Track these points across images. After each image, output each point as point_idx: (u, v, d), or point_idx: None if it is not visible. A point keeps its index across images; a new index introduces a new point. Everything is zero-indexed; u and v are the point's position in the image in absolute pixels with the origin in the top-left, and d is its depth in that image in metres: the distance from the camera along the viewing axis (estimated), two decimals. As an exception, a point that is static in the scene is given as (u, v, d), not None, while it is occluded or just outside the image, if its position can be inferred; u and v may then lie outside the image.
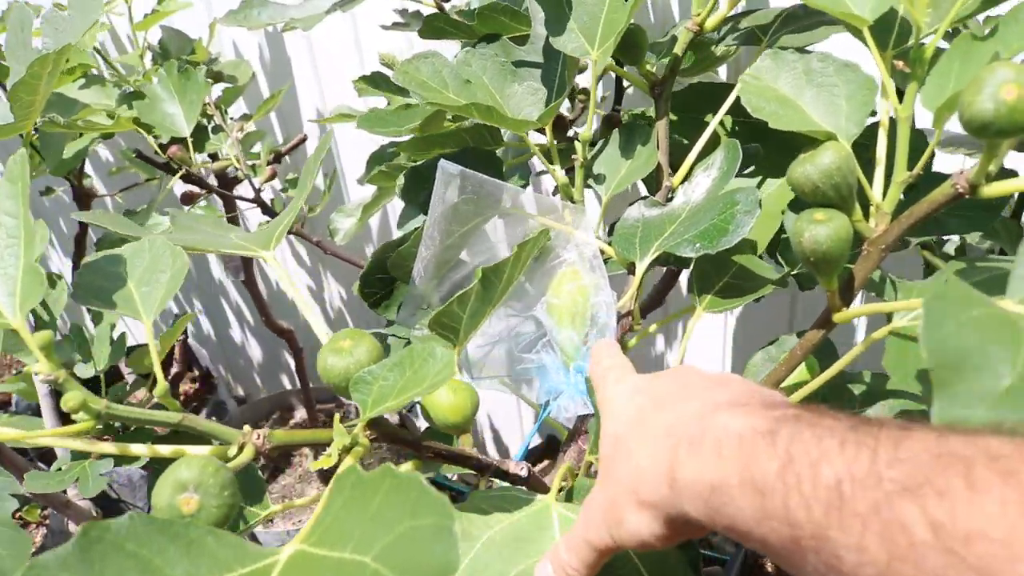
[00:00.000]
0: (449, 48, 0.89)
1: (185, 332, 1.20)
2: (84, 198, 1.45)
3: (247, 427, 0.52)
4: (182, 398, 2.09)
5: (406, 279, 0.77)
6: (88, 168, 2.04)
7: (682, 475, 0.41)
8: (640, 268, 0.67)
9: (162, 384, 0.50)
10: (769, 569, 1.57)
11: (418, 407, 0.60)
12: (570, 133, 1.09)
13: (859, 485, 0.31)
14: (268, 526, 1.75)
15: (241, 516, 0.62)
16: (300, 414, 2.07)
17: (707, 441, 0.40)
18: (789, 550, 0.34)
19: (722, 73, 1.26)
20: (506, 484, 0.60)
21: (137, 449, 0.52)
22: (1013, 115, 0.36)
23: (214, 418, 1.87)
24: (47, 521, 1.73)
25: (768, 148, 0.74)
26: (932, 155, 0.47)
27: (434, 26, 0.87)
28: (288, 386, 2.20)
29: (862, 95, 0.52)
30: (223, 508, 0.43)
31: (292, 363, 1.82)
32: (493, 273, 0.61)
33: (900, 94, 0.50)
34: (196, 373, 2.17)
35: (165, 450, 0.52)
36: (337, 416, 0.51)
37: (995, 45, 0.43)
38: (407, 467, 0.58)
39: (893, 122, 0.49)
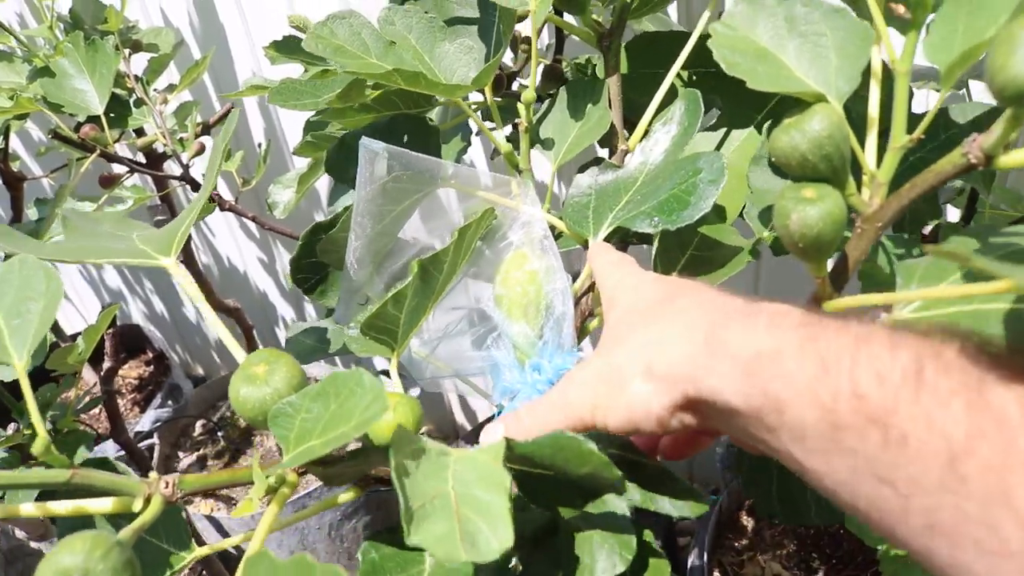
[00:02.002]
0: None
1: (115, 321, 1.11)
2: (13, 181, 1.34)
3: (153, 474, 0.44)
4: (135, 383, 2.00)
5: (339, 265, 0.69)
6: (19, 148, 1.92)
7: (724, 336, 0.35)
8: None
9: (42, 438, 0.42)
10: (744, 522, 1.54)
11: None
12: (515, 86, 1.01)
13: (943, 369, 0.29)
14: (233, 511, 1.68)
15: (167, 563, 0.54)
16: (258, 392, 1.99)
17: (762, 315, 0.35)
18: (839, 426, 0.30)
19: (672, 14, 1.18)
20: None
21: (26, 509, 0.44)
22: (1059, 79, 0.28)
23: (170, 402, 1.80)
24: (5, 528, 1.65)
25: (729, 98, 0.66)
26: (938, 115, 0.39)
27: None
28: (245, 364, 2.12)
29: (854, 45, 0.43)
30: (117, 597, 0.35)
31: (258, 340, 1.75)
32: (432, 264, 0.54)
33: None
34: (149, 356, 2.08)
35: (60, 507, 0.44)
36: (257, 455, 0.44)
37: (1018, -16, 0.36)
38: (346, 496, 0.51)
39: (888, 74, 0.41)
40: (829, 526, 1.46)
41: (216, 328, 0.49)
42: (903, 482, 0.28)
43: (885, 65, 0.43)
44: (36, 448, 0.42)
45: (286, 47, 0.91)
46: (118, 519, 0.49)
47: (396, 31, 0.65)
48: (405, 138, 0.70)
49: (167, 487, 0.43)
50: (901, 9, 0.41)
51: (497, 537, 0.33)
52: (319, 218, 1.87)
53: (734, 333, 0.35)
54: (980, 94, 1.01)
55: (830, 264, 0.44)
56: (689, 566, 1.36)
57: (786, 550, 1.48)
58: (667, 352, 0.38)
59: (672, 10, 1.18)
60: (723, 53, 0.46)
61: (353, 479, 0.50)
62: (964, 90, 1.03)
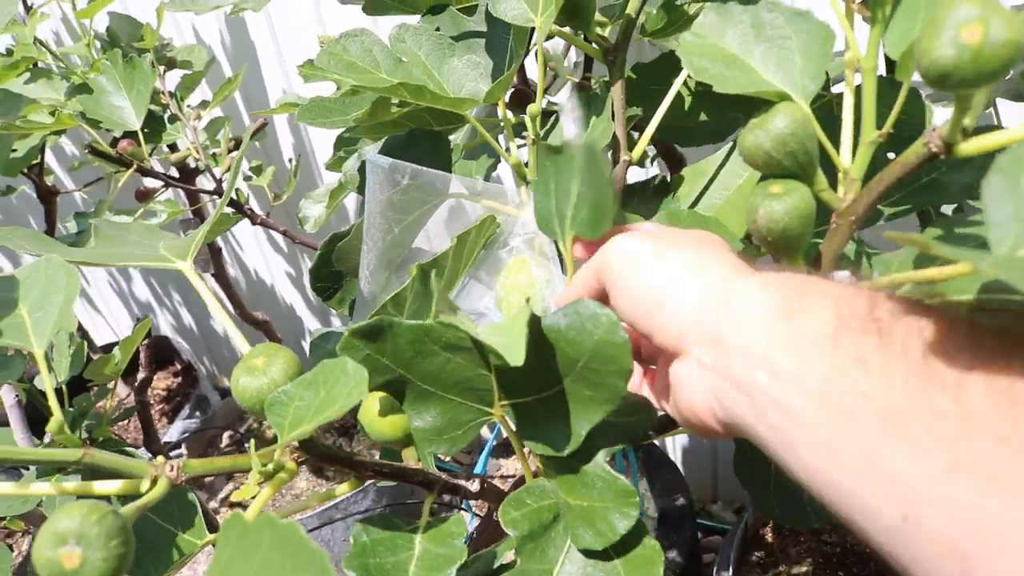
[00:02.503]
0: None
1: (149, 333, 1.15)
2: (47, 195, 1.39)
3: (160, 458, 0.47)
4: (164, 394, 2.05)
5: (355, 273, 0.72)
6: (53, 163, 1.99)
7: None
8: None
9: (57, 419, 0.45)
10: (769, 539, 1.53)
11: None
12: (545, 103, 1.03)
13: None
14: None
15: (175, 546, 0.56)
16: (287, 405, 2.02)
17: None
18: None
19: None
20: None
21: (39, 488, 0.47)
22: (978, 61, 0.30)
23: (198, 413, 1.84)
24: (31, 530, 1.70)
25: (750, 116, 0.68)
26: (908, 110, 0.41)
27: (377, 0, 0.81)
28: (275, 376, 2.16)
29: (818, 46, 0.45)
30: (111, 560, 0.38)
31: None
32: (431, 268, 0.56)
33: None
34: (177, 367, 2.12)
35: (69, 486, 0.46)
36: (253, 442, 0.46)
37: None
38: (343, 488, 0.53)
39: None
40: (856, 544, 1.44)
41: (225, 324, 0.52)
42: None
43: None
44: (51, 427, 0.45)
45: (319, 66, 0.94)
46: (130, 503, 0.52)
47: (407, 48, 0.67)
48: (422, 152, 0.72)
49: (172, 470, 0.46)
50: (856, 4, 0.42)
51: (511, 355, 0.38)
52: (346, 233, 1.86)
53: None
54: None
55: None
56: (715, 582, 1.36)
57: (811, 568, 1.46)
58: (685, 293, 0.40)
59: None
60: (691, 60, 0.48)
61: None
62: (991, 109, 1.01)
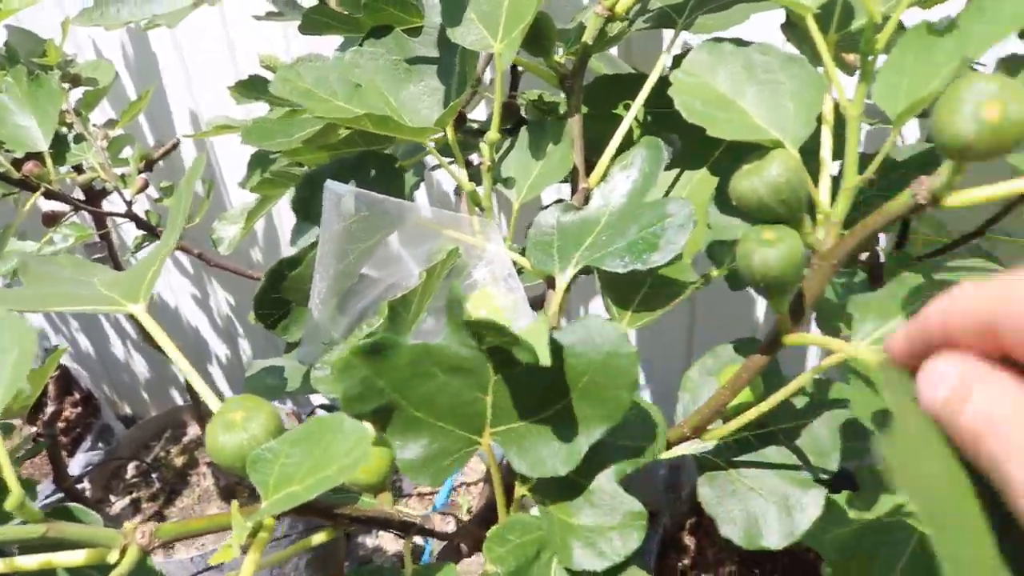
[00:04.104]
0: (332, 43, 0.81)
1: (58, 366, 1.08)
2: (-63, 220, 1.30)
3: (127, 524, 0.44)
4: (63, 425, 1.94)
5: (303, 302, 0.69)
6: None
7: None
8: (561, 282, 0.61)
9: (17, 494, 0.41)
10: (687, 542, 1.57)
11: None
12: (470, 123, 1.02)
13: None
14: (169, 554, 1.63)
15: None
16: (194, 431, 1.94)
17: None
18: None
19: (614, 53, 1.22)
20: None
21: (-10, 567, 0.43)
22: (997, 137, 0.31)
23: (101, 444, 1.74)
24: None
25: (687, 136, 0.69)
26: (888, 157, 0.42)
27: (315, 20, 0.78)
28: (179, 401, 2.07)
29: (809, 92, 0.46)
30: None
31: (182, 377, 1.70)
32: (401, 305, 0.55)
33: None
34: (76, 397, 2.01)
35: (29, 562, 0.43)
36: (236, 503, 0.44)
37: (955, 40, 0.39)
38: (320, 537, 0.51)
39: (839, 118, 0.44)
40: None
41: (189, 375, 0.49)
42: None
43: (837, 109, 0.46)
44: (11, 504, 0.41)
45: (251, 87, 0.91)
46: (89, 571, 0.48)
47: (362, 73, 0.66)
48: (372, 173, 0.71)
49: (143, 536, 0.43)
50: (851, 58, 0.44)
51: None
52: (256, 254, 1.83)
53: None
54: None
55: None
56: (634, 585, 1.38)
57: (728, 569, 1.52)
58: None
59: (613, 49, 1.22)
60: (683, 100, 0.48)
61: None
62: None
